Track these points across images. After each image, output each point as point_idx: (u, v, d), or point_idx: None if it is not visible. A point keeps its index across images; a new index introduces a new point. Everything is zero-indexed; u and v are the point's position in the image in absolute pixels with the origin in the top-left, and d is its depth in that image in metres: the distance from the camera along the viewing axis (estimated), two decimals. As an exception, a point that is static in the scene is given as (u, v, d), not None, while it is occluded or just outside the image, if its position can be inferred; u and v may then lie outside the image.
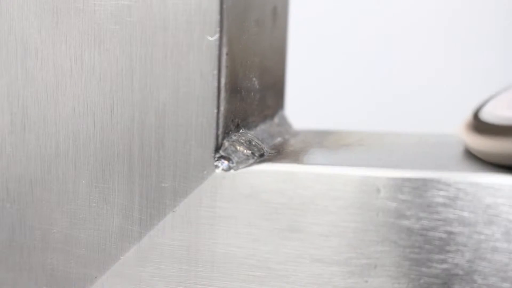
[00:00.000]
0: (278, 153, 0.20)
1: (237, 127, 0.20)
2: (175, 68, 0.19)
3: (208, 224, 0.19)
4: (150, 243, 0.19)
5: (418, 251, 0.18)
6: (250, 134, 0.21)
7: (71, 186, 0.20)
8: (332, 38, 0.53)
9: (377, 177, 0.18)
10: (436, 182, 0.17)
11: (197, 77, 0.19)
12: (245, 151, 0.19)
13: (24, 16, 0.20)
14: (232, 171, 0.19)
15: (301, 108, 0.35)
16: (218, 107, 0.19)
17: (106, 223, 0.20)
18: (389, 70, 0.53)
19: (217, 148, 0.19)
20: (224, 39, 0.19)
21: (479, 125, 0.19)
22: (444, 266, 0.17)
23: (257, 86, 0.22)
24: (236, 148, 0.19)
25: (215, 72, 0.18)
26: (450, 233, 0.17)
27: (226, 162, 0.19)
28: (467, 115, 0.21)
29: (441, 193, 0.17)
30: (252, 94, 0.22)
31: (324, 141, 0.23)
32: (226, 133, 0.19)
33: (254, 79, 0.22)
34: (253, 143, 0.20)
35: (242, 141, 0.20)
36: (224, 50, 0.19)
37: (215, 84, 0.18)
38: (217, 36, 0.18)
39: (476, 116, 0.20)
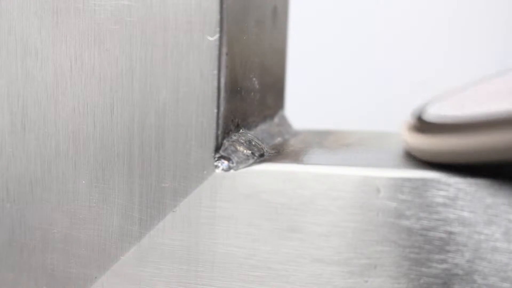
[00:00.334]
0: (278, 153, 0.20)
1: (237, 127, 0.20)
2: (175, 68, 0.19)
3: (208, 224, 0.19)
4: (150, 243, 0.19)
5: (418, 251, 0.18)
6: (250, 134, 0.21)
7: (71, 186, 0.20)
8: (332, 38, 0.53)
9: (377, 177, 0.18)
10: (436, 182, 0.17)
11: (197, 77, 0.19)
12: (245, 151, 0.19)
13: (24, 16, 0.20)
14: (232, 171, 0.19)
15: (301, 108, 0.35)
16: (218, 107, 0.19)
17: (106, 223, 0.20)
18: (389, 70, 0.53)
19: (217, 148, 0.19)
20: (224, 39, 0.19)
21: (423, 126, 0.19)
22: (444, 266, 0.17)
23: (257, 86, 0.22)
24: (236, 148, 0.19)
25: (215, 72, 0.18)
26: (450, 233, 0.17)
27: (226, 162, 0.19)
28: (407, 118, 0.21)
29: (441, 193, 0.17)
30: (252, 94, 0.22)
31: (324, 141, 0.23)
32: (226, 133, 0.19)
33: (254, 79, 0.22)
34: (253, 143, 0.20)
35: (242, 141, 0.20)
36: (224, 50, 0.19)
37: (215, 84, 0.18)
38: (217, 36, 0.18)
39: (419, 118, 0.20)
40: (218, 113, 0.19)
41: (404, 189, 0.17)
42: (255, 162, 0.19)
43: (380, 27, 0.53)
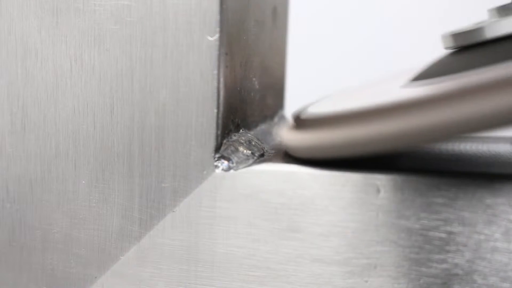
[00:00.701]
0: (278, 153, 0.20)
1: (237, 127, 0.20)
2: (175, 68, 0.19)
3: (208, 224, 0.19)
4: (150, 243, 0.19)
5: (418, 251, 0.18)
6: (250, 134, 0.21)
7: (71, 186, 0.20)
8: (332, 38, 0.53)
9: (377, 177, 0.18)
10: (436, 182, 0.17)
11: (197, 77, 0.19)
12: (245, 151, 0.19)
13: (24, 16, 0.20)
14: (232, 171, 0.19)
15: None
16: (218, 107, 0.19)
17: (106, 223, 0.20)
18: (389, 70, 0.53)
19: (217, 148, 0.19)
20: (224, 39, 0.19)
21: (298, 123, 0.19)
22: (444, 266, 0.17)
23: (257, 86, 0.22)
24: (236, 148, 0.19)
25: (215, 72, 0.18)
26: (450, 233, 0.17)
27: (226, 162, 0.19)
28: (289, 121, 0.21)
29: (441, 193, 0.17)
30: (252, 94, 0.22)
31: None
32: (226, 133, 0.19)
33: (254, 79, 0.22)
34: (253, 143, 0.20)
35: (242, 141, 0.20)
36: (224, 50, 0.19)
37: (215, 84, 0.18)
38: (217, 36, 0.18)
39: (297, 117, 0.20)
40: (218, 113, 0.19)
41: (404, 189, 0.17)
42: (255, 162, 0.19)
43: (380, 27, 0.53)
